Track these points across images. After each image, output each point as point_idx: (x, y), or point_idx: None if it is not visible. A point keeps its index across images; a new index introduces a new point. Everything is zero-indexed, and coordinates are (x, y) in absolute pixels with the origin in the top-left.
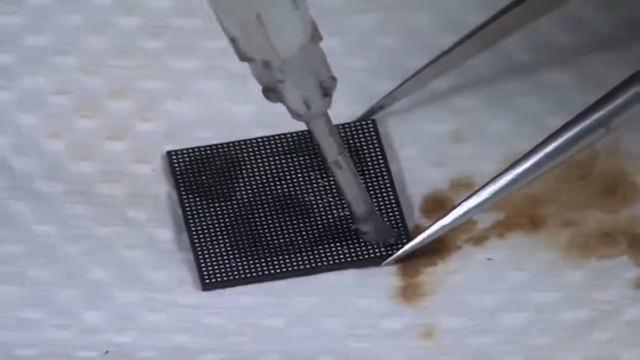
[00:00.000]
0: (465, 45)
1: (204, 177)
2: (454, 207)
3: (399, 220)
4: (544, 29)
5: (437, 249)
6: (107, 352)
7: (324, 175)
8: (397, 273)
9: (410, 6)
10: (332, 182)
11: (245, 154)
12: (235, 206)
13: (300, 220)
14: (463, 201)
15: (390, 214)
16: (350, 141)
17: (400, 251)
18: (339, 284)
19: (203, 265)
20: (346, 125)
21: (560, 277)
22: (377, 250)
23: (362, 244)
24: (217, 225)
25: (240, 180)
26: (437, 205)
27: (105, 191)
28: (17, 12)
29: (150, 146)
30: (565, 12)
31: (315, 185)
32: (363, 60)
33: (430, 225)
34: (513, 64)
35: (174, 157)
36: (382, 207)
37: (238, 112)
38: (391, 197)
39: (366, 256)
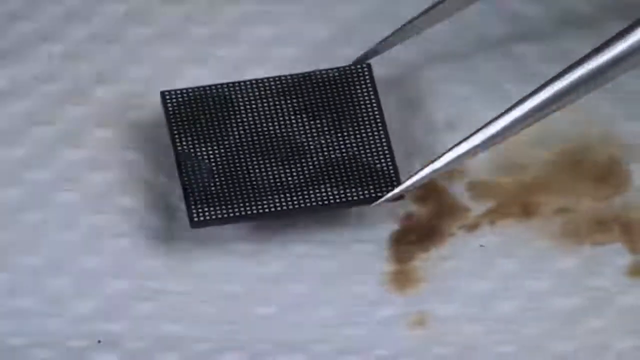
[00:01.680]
0: None
1: (196, 117)
2: (445, 152)
3: (390, 165)
4: (538, 18)
5: (429, 235)
6: (99, 341)
7: (317, 117)
8: (389, 259)
9: None
10: (324, 125)
11: (239, 95)
12: (227, 147)
13: (292, 161)
14: (454, 146)
15: (382, 157)
16: (345, 85)
17: (391, 194)
18: (331, 271)
19: (192, 203)
20: (341, 69)
21: (553, 264)
22: (367, 192)
23: (353, 186)
24: (207, 165)
25: (233, 121)
26: (430, 194)
27: (95, 179)
28: (4, 0)
29: (139, 132)
30: (558, 3)
31: (307, 127)
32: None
33: (421, 170)
34: (507, 54)
35: (167, 97)
36: (374, 150)
37: None
38: (383, 141)
39: (355, 198)
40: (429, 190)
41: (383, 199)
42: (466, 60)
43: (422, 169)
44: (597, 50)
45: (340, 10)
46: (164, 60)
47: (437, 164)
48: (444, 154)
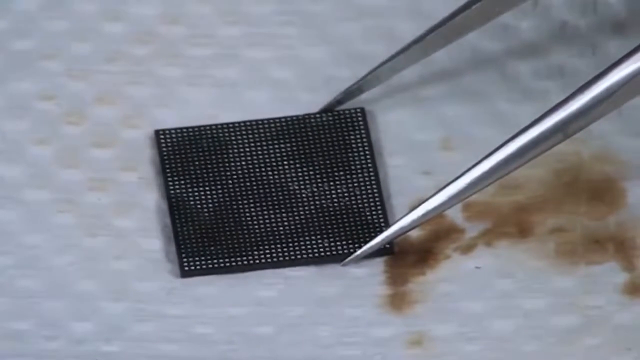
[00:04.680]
0: (431, 37)
1: (190, 159)
2: (412, 210)
3: (381, 217)
4: (531, 36)
5: (425, 258)
6: None
7: (310, 163)
8: (385, 282)
9: None
10: (317, 172)
11: (233, 137)
12: (220, 191)
13: (284, 210)
14: (421, 204)
15: (374, 209)
16: (339, 130)
17: (359, 251)
18: (327, 294)
19: (184, 253)
20: (335, 113)
21: (548, 283)
22: (358, 246)
23: (344, 239)
24: (200, 210)
25: (227, 164)
26: None
27: (93, 200)
28: (3, 16)
29: (137, 153)
30: (551, 19)
31: (300, 173)
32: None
33: (390, 226)
34: (502, 73)
35: (161, 136)
36: (366, 201)
37: (224, 119)
38: (375, 190)
39: (346, 251)
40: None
41: (353, 256)
42: (460, 78)
43: (390, 226)
44: (558, 106)
45: (337, 30)
46: (162, 80)
47: (405, 222)
48: (409, 212)
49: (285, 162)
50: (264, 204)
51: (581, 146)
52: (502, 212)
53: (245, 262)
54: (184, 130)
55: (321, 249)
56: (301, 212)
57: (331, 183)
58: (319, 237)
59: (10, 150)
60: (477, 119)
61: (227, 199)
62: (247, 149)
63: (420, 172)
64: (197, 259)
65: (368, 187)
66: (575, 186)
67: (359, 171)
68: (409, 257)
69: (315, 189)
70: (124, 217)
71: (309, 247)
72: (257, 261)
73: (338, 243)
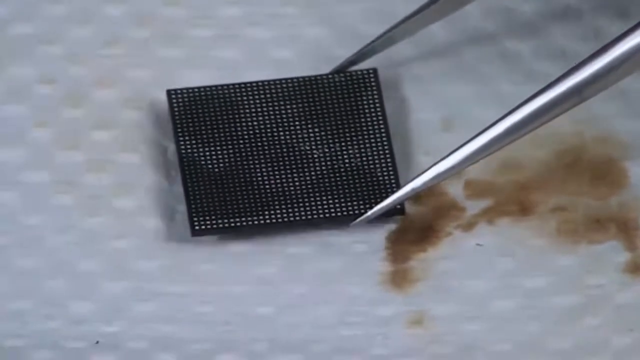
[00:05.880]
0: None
1: (201, 119)
2: (424, 171)
3: (392, 178)
4: (532, 14)
5: (426, 235)
6: (97, 342)
7: (322, 124)
8: (386, 259)
9: None
10: (328, 132)
11: (245, 97)
12: (231, 151)
13: (295, 170)
14: (433, 165)
15: (385, 170)
16: (351, 90)
17: (370, 212)
18: (328, 272)
19: (194, 212)
20: (347, 73)
21: (550, 262)
22: (368, 206)
23: (354, 199)
24: (211, 170)
25: (238, 124)
26: (427, 194)
27: (93, 181)
28: (3, 1)
29: (137, 135)
30: (554, 1)
31: (311, 134)
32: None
33: (403, 187)
34: (501, 51)
35: (173, 96)
36: (378, 162)
37: None
38: (387, 151)
39: (357, 211)
40: (425, 190)
41: (363, 217)
42: (460, 58)
43: (404, 186)
44: (574, 69)
45: (338, 10)
46: (162, 62)
47: (417, 183)
48: (422, 172)
49: (297, 123)
50: (275, 164)
51: (584, 126)
52: (504, 190)
53: (256, 222)
54: (196, 90)
55: (332, 209)
56: (312, 173)
57: (342, 144)
58: (329, 197)
59: (10, 134)
60: (479, 100)
61: (238, 158)
62: (259, 109)
63: (420, 153)
64: (207, 218)
65: (380, 147)
66: (577, 167)
67: (371, 132)
68: (410, 234)
69: (326, 150)
70: (124, 197)
71: (319, 207)
72: (268, 221)
73: (349, 203)
